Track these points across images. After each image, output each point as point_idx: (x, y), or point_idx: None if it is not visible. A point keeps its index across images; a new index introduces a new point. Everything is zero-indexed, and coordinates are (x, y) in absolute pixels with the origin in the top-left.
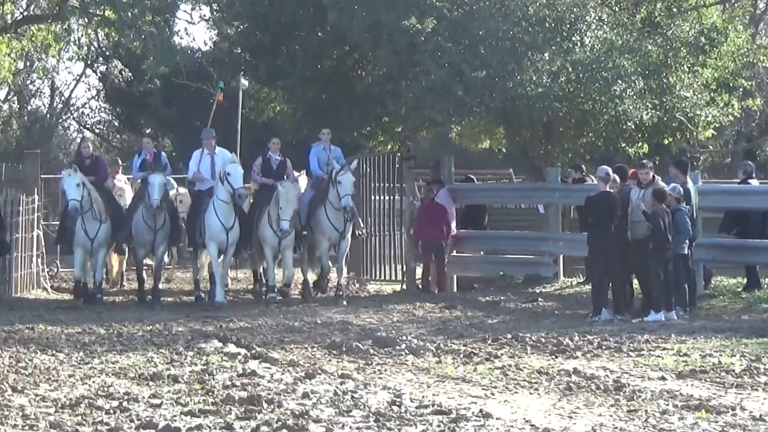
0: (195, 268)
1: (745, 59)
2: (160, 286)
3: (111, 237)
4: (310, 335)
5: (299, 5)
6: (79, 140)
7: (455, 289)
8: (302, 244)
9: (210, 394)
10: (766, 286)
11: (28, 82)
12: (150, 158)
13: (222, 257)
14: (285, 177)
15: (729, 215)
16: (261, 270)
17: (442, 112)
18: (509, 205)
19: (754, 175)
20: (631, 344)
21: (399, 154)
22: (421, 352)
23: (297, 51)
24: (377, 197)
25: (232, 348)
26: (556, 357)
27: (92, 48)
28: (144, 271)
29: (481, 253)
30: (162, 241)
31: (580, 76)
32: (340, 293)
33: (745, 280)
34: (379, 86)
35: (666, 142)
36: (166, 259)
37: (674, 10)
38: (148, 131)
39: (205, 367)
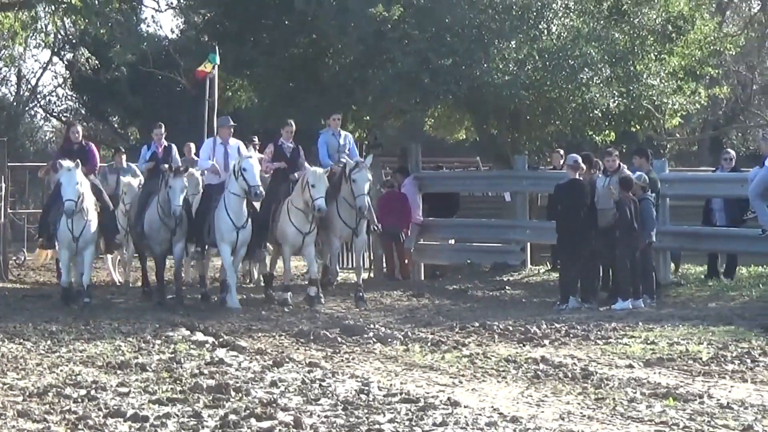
0: (202, 265)
1: (711, 47)
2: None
3: (97, 235)
4: (277, 323)
5: None
6: (66, 127)
7: (423, 277)
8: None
9: (178, 382)
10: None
11: None
12: (160, 151)
13: (233, 258)
14: (299, 167)
15: (733, 202)
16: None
17: (409, 100)
18: (476, 193)
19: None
20: (599, 332)
21: (366, 143)
22: (389, 340)
23: (264, 39)
24: None
25: (199, 336)
26: (524, 345)
27: (59, 36)
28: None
29: (452, 241)
30: (180, 238)
31: (547, 64)
32: (360, 294)
33: (723, 267)
34: (347, 74)
35: (633, 129)
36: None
37: None
38: (114, 119)
39: (173, 355)
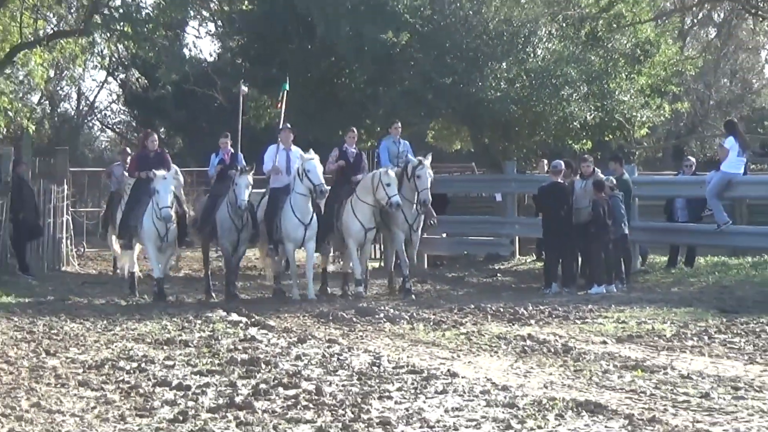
0: (274, 263)
1: (674, 68)
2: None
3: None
4: (301, 306)
5: (291, 21)
6: (142, 136)
7: (426, 266)
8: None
9: (216, 356)
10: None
11: (58, 88)
12: (227, 158)
13: (306, 254)
14: (361, 170)
15: (695, 201)
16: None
17: (415, 114)
18: (472, 194)
19: (693, 169)
20: (577, 313)
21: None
22: (397, 320)
23: (289, 61)
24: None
25: (234, 317)
26: (513, 324)
27: (113, 58)
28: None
29: (444, 235)
30: (245, 239)
31: (533, 82)
32: (408, 287)
33: (684, 257)
34: (361, 92)
35: (607, 139)
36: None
37: (614, 25)
38: (161, 131)
39: (212, 333)
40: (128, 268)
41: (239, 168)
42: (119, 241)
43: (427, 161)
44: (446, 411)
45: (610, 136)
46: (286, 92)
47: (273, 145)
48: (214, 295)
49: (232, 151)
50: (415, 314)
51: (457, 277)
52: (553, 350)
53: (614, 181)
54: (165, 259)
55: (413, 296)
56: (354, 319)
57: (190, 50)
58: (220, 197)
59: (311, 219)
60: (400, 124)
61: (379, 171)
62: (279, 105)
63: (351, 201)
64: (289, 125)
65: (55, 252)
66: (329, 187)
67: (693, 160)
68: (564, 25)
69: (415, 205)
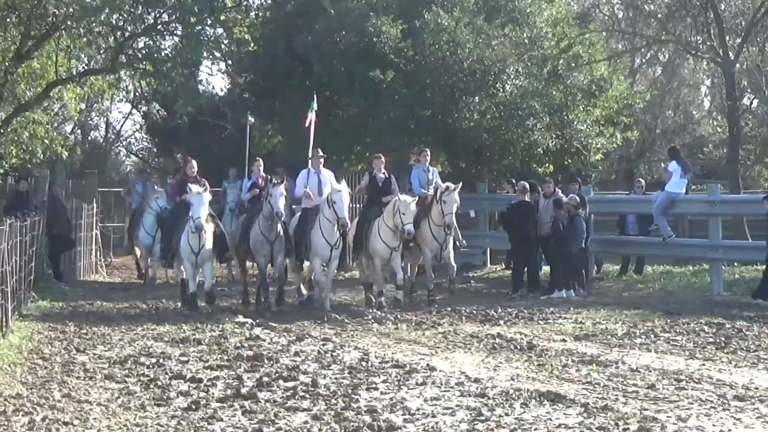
0: (298, 277)
1: (625, 102)
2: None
3: (212, 251)
4: (299, 309)
5: (292, 61)
6: (183, 162)
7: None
8: (361, 254)
9: (225, 353)
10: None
11: (89, 119)
12: (261, 181)
13: (327, 269)
14: (390, 193)
15: (643, 217)
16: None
17: (400, 141)
18: None
19: (643, 189)
20: (541, 315)
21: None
22: (383, 321)
23: (290, 95)
24: (352, 205)
25: (241, 318)
26: (484, 324)
27: (137, 93)
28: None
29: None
30: (279, 250)
31: (502, 114)
32: (432, 298)
33: (634, 266)
34: (352, 122)
35: (566, 163)
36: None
37: (572, 64)
38: (178, 156)
39: (221, 333)
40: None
41: (271, 179)
42: (161, 261)
43: (456, 188)
44: (425, 400)
45: (569, 161)
46: (314, 111)
47: (304, 170)
48: (251, 301)
49: (264, 175)
50: (399, 316)
51: (435, 284)
52: (519, 347)
53: (578, 199)
54: (208, 272)
55: (436, 306)
56: (345, 320)
57: (203, 86)
58: (254, 217)
59: (337, 241)
60: (428, 151)
61: (401, 199)
62: (308, 123)
63: (377, 222)
64: (319, 150)
65: (86, 262)
66: (350, 218)
67: (642, 181)
68: (529, 64)
69: (443, 228)
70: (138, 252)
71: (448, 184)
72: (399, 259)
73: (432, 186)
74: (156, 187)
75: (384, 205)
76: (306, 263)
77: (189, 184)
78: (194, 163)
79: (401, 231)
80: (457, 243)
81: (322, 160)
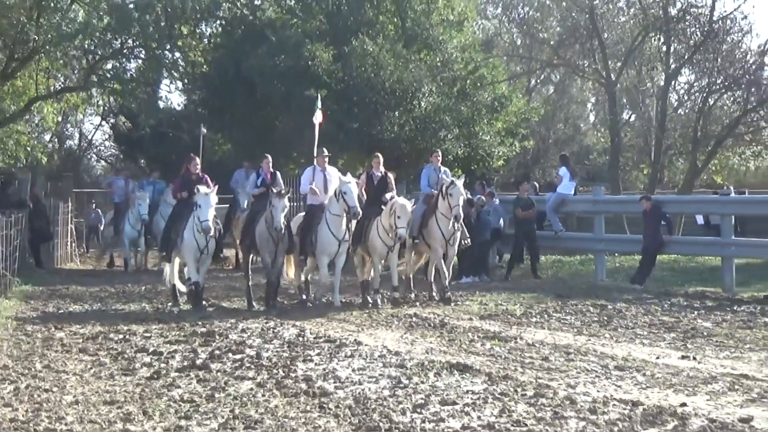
0: (299, 273)
1: (522, 116)
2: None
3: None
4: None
5: (238, 81)
6: (187, 160)
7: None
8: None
9: (182, 330)
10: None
11: (65, 129)
12: (269, 177)
13: (335, 266)
14: (387, 190)
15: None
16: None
17: (330, 150)
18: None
19: (537, 189)
20: (451, 297)
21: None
22: (317, 302)
23: (237, 111)
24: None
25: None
26: (403, 306)
27: (106, 107)
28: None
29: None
30: (282, 250)
31: (418, 126)
32: (447, 295)
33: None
34: (290, 134)
35: (473, 168)
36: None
37: (478, 84)
38: (141, 162)
39: (179, 313)
40: (168, 280)
41: (276, 190)
42: (160, 254)
43: (459, 182)
44: (353, 370)
45: (476, 166)
46: (320, 110)
47: (309, 168)
48: (255, 304)
49: (272, 171)
50: (330, 299)
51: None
52: (432, 325)
53: (484, 200)
54: (203, 270)
55: (450, 303)
56: (285, 301)
57: (163, 102)
58: (259, 213)
59: (344, 236)
60: (439, 153)
61: (398, 202)
62: (320, 121)
63: (377, 221)
64: (324, 150)
65: (62, 252)
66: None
67: (536, 184)
68: (441, 84)
69: (451, 221)
70: (127, 244)
71: (453, 178)
72: (395, 258)
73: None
74: (136, 189)
75: (384, 203)
76: (309, 259)
77: (197, 186)
78: (198, 160)
79: (394, 233)
80: (463, 241)
81: (327, 159)
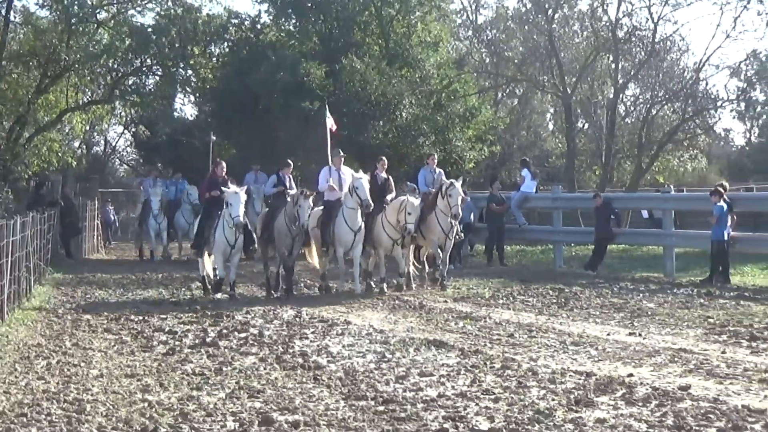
0: (323, 263)
1: (490, 125)
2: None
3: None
4: (251, 279)
5: (243, 94)
6: (214, 164)
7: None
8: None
9: (194, 312)
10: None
11: (91, 137)
12: (288, 181)
13: (353, 255)
14: (388, 191)
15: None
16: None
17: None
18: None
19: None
20: (429, 283)
21: (299, 178)
22: (312, 288)
23: (243, 120)
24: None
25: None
26: (386, 291)
27: (128, 118)
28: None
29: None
30: (298, 243)
31: (400, 134)
32: (445, 283)
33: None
34: (290, 141)
35: (447, 170)
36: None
37: (451, 97)
38: (159, 165)
39: (192, 296)
40: (201, 272)
41: (303, 192)
42: (192, 251)
43: (458, 183)
44: (343, 346)
45: (450, 169)
46: (329, 118)
47: (326, 167)
48: (274, 293)
49: (290, 176)
50: (322, 285)
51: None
52: (412, 306)
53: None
54: (232, 266)
55: (446, 289)
56: (283, 287)
57: (177, 113)
58: (278, 209)
59: (360, 228)
60: (435, 156)
61: (409, 200)
62: (334, 128)
63: (382, 217)
64: (340, 151)
65: (89, 244)
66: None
67: (500, 185)
68: (420, 96)
69: (448, 217)
70: (154, 236)
71: (452, 180)
72: (400, 250)
73: (438, 183)
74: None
75: (386, 203)
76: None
77: (228, 185)
78: (224, 164)
79: (403, 227)
80: (456, 236)
81: (342, 160)
